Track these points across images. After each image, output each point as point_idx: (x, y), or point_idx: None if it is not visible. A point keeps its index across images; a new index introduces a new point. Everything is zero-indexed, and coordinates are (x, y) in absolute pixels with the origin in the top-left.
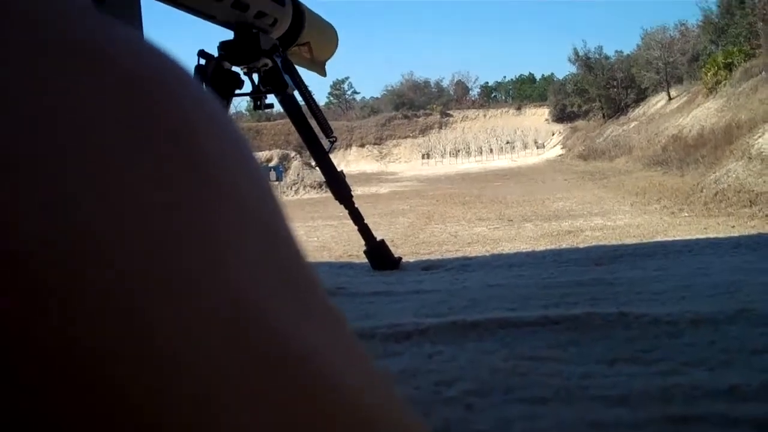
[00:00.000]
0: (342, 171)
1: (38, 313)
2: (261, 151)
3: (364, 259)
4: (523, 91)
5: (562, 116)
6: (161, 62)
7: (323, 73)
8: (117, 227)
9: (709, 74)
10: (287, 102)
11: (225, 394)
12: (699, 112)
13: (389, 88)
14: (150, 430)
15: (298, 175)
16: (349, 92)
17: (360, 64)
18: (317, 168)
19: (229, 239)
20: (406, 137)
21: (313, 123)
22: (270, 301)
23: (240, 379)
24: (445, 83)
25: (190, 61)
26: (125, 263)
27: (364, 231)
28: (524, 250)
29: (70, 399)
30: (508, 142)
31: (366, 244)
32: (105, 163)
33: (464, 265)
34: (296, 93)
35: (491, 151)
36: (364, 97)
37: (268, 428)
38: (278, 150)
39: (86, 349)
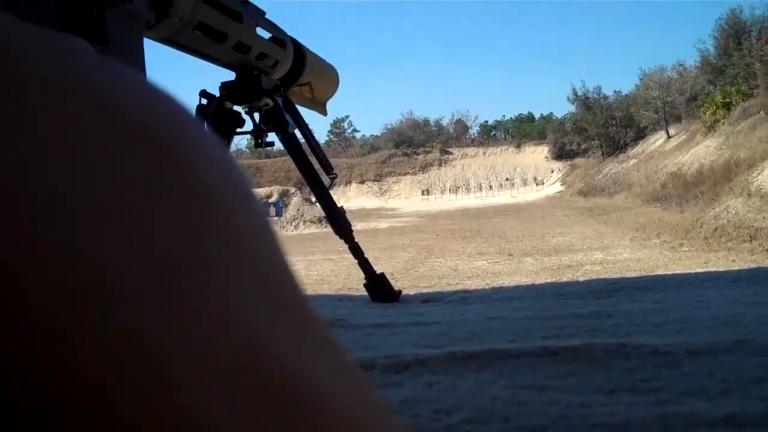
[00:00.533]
0: (342, 207)
1: (39, 342)
2: (261, 187)
3: (363, 292)
4: (523, 130)
5: (561, 154)
6: (162, 104)
7: (324, 113)
8: (121, 261)
9: (707, 113)
10: (288, 140)
11: (221, 418)
12: (698, 150)
13: (389, 127)
14: None
15: (298, 210)
16: (349, 130)
17: (360, 103)
18: (317, 204)
19: (228, 270)
20: (405, 174)
21: (313, 160)
22: (266, 326)
23: (236, 403)
24: (444, 122)
25: (192, 101)
26: (128, 296)
27: (364, 264)
28: (524, 284)
29: (64, 419)
30: (507, 179)
31: (366, 277)
32: (106, 202)
33: (464, 298)
34: (297, 131)
35: (491, 187)
36: (363, 135)
37: None
38: (278, 186)
39: (86, 375)
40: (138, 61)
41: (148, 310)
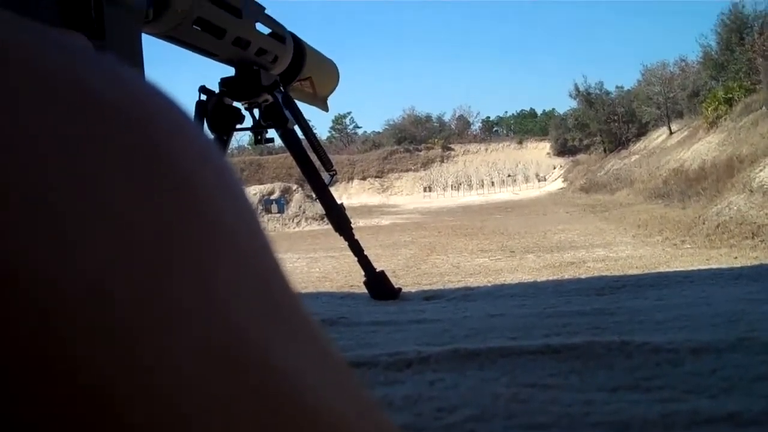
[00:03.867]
0: (342, 203)
1: (36, 342)
2: (263, 183)
3: (365, 290)
4: (525, 126)
5: (563, 150)
6: (156, 103)
7: (326, 109)
8: (109, 261)
9: (709, 109)
10: (287, 136)
11: (205, 412)
12: (700, 146)
13: (391, 123)
14: None
15: (300, 207)
16: (350, 127)
17: (361, 100)
18: (318, 200)
19: (213, 267)
20: (407, 170)
21: (313, 157)
22: (252, 322)
23: (220, 398)
24: (446, 118)
25: (191, 97)
26: (116, 295)
27: (364, 262)
28: (526, 281)
29: (57, 413)
30: (509, 175)
31: (366, 275)
32: (96, 201)
33: (466, 295)
34: (296, 128)
35: (493, 184)
36: (365, 132)
37: None
38: (280, 183)
39: (80, 372)
40: (136, 56)
41: (135, 308)
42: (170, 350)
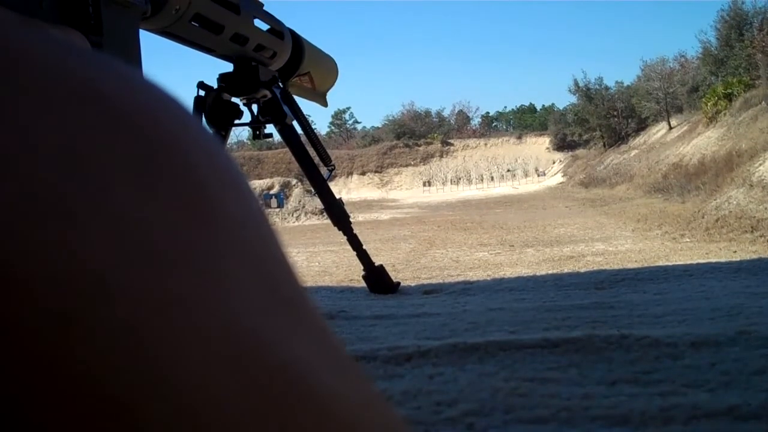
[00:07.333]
0: (341, 198)
1: (40, 341)
2: (262, 178)
3: (365, 284)
4: (524, 121)
5: (562, 145)
6: (157, 99)
7: (325, 104)
8: (114, 257)
9: (709, 104)
10: (286, 132)
11: (218, 410)
12: (700, 141)
13: (390, 118)
14: None
15: (299, 202)
16: (350, 122)
17: (361, 95)
18: (317, 195)
19: (220, 262)
20: (407, 165)
21: (312, 153)
22: (259, 317)
23: (227, 392)
24: (446, 113)
25: (190, 92)
26: (122, 292)
27: (363, 256)
28: (525, 275)
29: (65, 413)
30: (509, 170)
31: (364, 269)
32: (101, 198)
33: (465, 289)
34: (295, 123)
35: (492, 178)
36: (365, 127)
37: None
38: (279, 178)
39: (84, 369)
40: (133, 52)
41: (141, 304)
42: (177, 347)
